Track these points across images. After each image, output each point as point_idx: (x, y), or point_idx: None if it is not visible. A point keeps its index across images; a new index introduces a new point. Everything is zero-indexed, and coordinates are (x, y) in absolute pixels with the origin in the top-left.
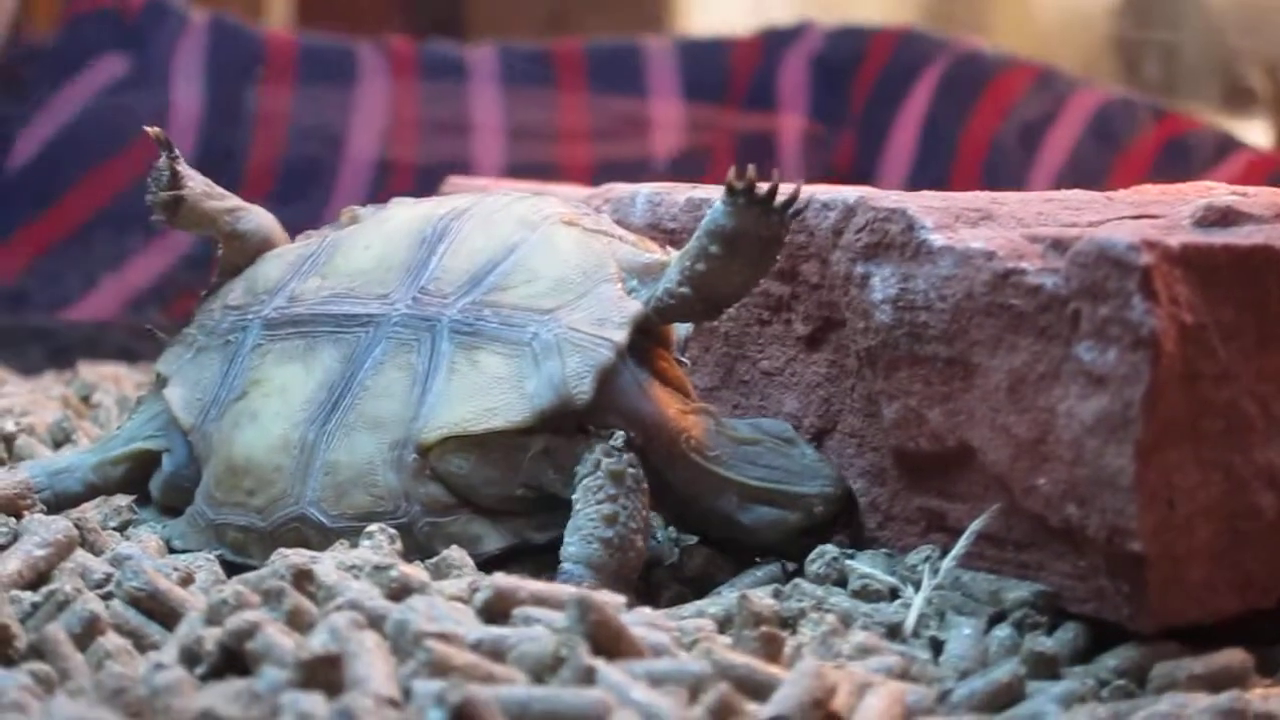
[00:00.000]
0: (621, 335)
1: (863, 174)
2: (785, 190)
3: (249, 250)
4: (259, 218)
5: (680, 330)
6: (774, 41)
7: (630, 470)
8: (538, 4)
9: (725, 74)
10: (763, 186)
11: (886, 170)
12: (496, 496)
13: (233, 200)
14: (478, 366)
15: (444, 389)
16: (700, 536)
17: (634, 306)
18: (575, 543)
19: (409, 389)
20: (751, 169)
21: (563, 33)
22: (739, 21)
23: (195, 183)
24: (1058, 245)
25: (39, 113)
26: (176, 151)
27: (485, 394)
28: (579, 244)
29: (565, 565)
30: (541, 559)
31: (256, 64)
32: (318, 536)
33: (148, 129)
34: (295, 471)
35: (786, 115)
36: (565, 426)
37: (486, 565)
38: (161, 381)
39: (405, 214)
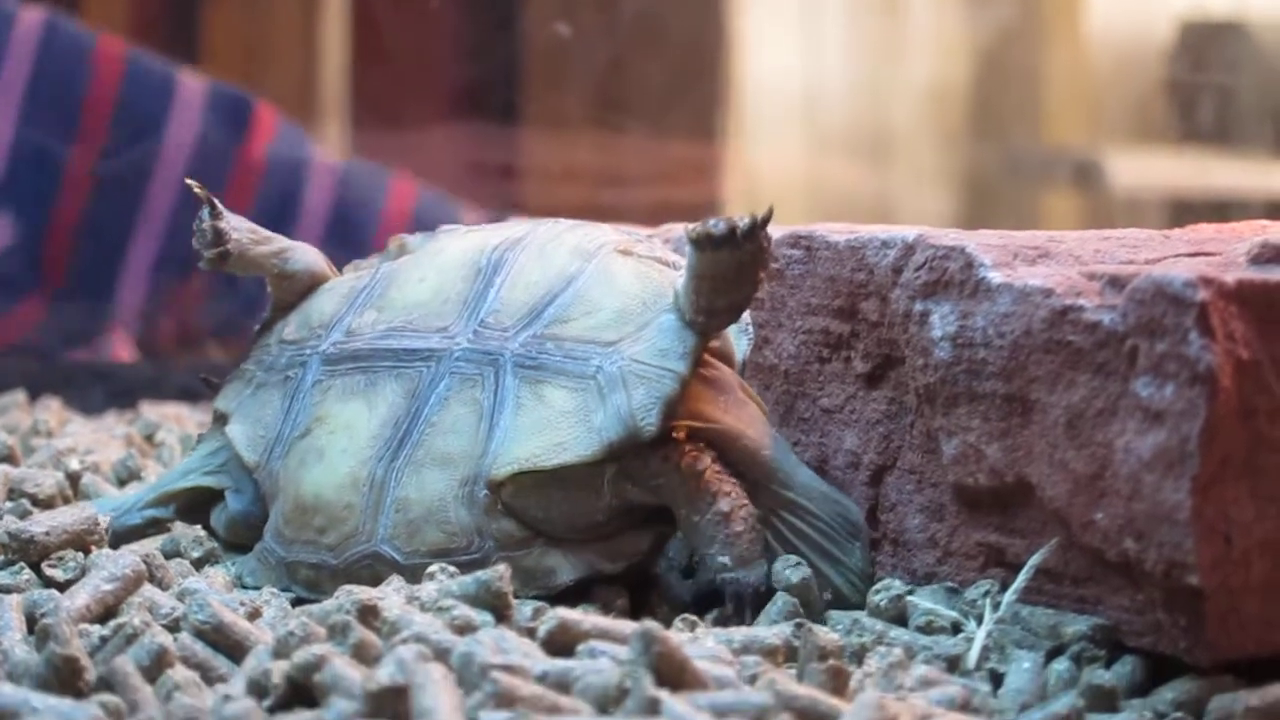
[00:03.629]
0: (684, 366)
1: None
2: (743, 221)
3: (298, 288)
4: (306, 255)
5: (740, 350)
6: None
7: (708, 463)
8: (595, 55)
9: None
10: (719, 228)
11: None
12: (570, 526)
13: (279, 242)
14: (544, 401)
15: (511, 424)
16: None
17: (693, 338)
18: (718, 551)
19: (476, 425)
20: (708, 222)
21: (622, 82)
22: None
23: (240, 232)
24: (1115, 282)
25: None
26: (220, 207)
27: (553, 428)
28: (636, 274)
29: (727, 576)
30: (611, 592)
31: (82, 80)
32: (391, 573)
33: (189, 182)
34: (366, 509)
35: None
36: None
37: (561, 598)
38: (222, 419)
39: (458, 244)
